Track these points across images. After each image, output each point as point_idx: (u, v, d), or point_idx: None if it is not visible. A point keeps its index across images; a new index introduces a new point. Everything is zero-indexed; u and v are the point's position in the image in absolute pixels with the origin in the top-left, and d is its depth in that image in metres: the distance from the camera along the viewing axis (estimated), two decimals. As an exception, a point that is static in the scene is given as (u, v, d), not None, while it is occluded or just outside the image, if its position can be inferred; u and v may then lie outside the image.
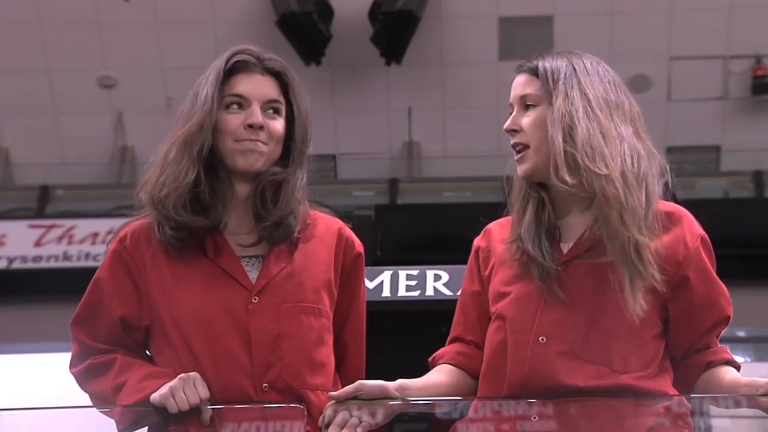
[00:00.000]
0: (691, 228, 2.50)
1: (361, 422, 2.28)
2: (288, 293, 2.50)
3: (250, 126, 2.50)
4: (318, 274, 2.56)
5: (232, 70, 2.56)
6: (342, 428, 2.28)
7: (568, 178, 2.38)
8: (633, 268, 2.34)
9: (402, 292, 3.47)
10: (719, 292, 2.48)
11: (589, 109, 2.44)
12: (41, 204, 11.63)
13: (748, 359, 9.56)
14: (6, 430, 2.35)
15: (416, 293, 3.47)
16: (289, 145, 2.58)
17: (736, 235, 10.08)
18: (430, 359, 2.59)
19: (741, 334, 9.66)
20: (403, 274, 3.50)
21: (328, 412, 2.30)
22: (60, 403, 2.46)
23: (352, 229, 2.69)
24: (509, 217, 2.58)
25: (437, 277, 3.50)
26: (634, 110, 2.54)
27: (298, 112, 2.59)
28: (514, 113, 2.52)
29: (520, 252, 2.47)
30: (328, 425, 2.29)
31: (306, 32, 11.22)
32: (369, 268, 3.40)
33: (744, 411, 2.35)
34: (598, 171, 2.36)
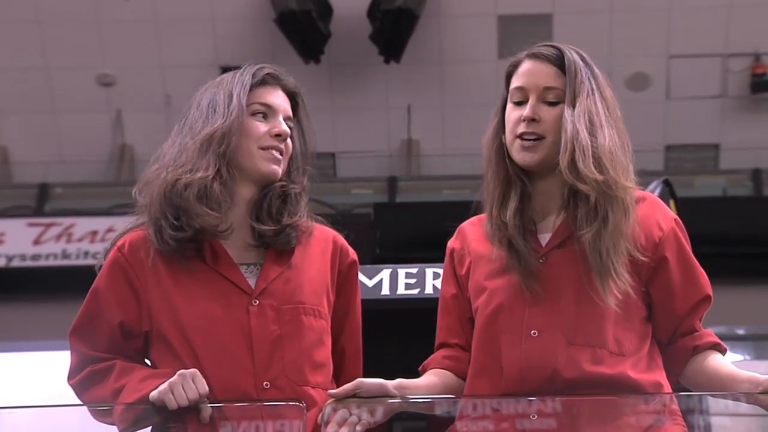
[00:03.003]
0: (663, 212, 2.52)
1: (360, 420, 2.29)
2: (287, 295, 2.53)
3: (278, 135, 2.57)
4: (315, 278, 2.59)
5: (258, 82, 2.63)
6: (341, 426, 2.28)
7: (594, 172, 2.37)
8: (606, 272, 2.36)
9: (401, 290, 3.47)
10: (698, 271, 2.49)
11: (607, 114, 2.46)
12: (40, 202, 11.64)
13: (747, 357, 9.55)
14: (5, 428, 2.35)
15: (415, 291, 3.48)
16: (289, 164, 2.64)
17: (734, 234, 10.09)
18: (419, 368, 2.60)
19: (740, 332, 9.66)
20: (402, 272, 3.51)
21: (326, 410, 2.30)
22: (59, 402, 2.46)
23: (347, 236, 2.72)
24: (481, 216, 2.59)
25: (436, 275, 3.50)
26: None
27: (307, 132, 2.69)
28: (533, 102, 2.49)
29: (502, 237, 2.46)
30: (327, 423, 2.29)
31: (305, 30, 11.22)
32: (368, 266, 3.41)
33: (743, 408, 2.35)
34: (621, 180, 2.39)
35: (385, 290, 3.45)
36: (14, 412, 2.44)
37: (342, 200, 11.49)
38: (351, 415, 2.29)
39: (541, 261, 2.43)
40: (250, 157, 2.56)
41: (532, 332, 2.39)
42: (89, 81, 12.12)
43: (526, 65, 2.53)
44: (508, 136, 2.54)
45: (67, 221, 10.85)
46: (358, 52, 11.75)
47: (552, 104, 2.48)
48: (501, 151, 2.57)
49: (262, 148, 2.56)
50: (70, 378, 2.55)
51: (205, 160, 2.50)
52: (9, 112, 12.22)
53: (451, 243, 2.65)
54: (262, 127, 2.58)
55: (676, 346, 2.47)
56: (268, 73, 2.65)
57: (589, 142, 2.38)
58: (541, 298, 2.41)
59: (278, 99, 2.63)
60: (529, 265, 2.42)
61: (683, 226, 2.52)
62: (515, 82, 2.53)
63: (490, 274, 2.49)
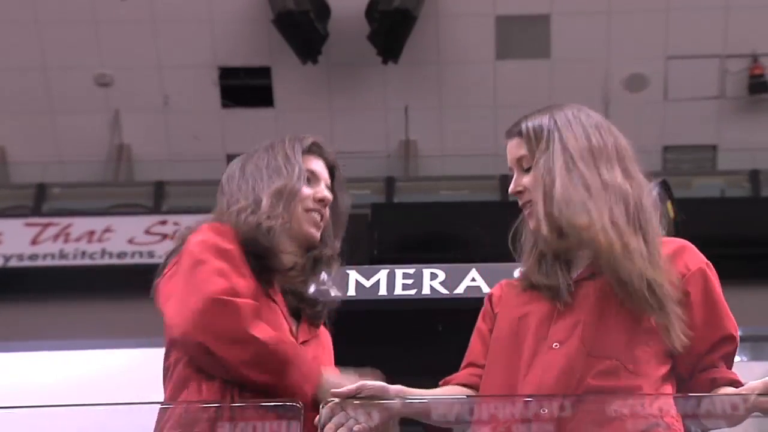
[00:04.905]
0: (694, 255, 2.53)
1: (358, 423, 2.29)
2: (316, 356, 2.63)
3: (321, 200, 2.73)
4: (325, 361, 2.69)
5: (306, 150, 2.80)
6: (339, 428, 2.28)
7: (554, 241, 2.45)
8: (652, 309, 2.37)
9: (398, 290, 3.48)
10: (722, 311, 2.49)
11: (570, 162, 2.49)
12: (37, 202, 11.63)
13: (744, 358, 9.55)
14: (2, 428, 2.36)
15: (412, 292, 3.48)
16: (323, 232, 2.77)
17: (732, 235, 10.09)
18: (440, 382, 2.61)
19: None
20: (399, 272, 3.51)
21: (324, 412, 2.30)
22: (57, 402, 2.46)
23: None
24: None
25: (433, 276, 3.51)
26: (620, 147, 2.55)
27: (342, 205, 2.83)
28: (515, 176, 2.59)
29: (529, 285, 2.54)
30: (324, 426, 2.29)
31: (303, 31, 11.22)
32: (365, 266, 3.42)
33: (740, 410, 2.35)
34: (580, 223, 2.41)
35: (383, 291, 3.46)
36: (11, 412, 2.44)
37: (339, 201, 11.45)
38: (350, 418, 2.29)
39: (570, 289, 2.47)
40: (296, 217, 2.69)
41: (554, 345, 2.42)
42: (87, 81, 12.11)
43: (507, 147, 2.64)
44: None
45: (64, 221, 10.85)
46: (356, 53, 11.75)
47: (528, 170, 2.56)
48: None
49: (306, 210, 2.70)
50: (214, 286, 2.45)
51: (278, 209, 2.64)
52: (7, 112, 12.21)
53: (492, 290, 2.71)
54: (307, 190, 2.72)
55: (695, 381, 2.47)
56: (313, 143, 2.83)
57: (543, 212, 2.47)
58: (565, 317, 2.44)
59: (320, 167, 2.79)
60: (561, 289, 2.46)
61: (714, 270, 2.52)
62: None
63: (518, 304, 2.55)
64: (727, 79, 12.08)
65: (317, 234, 2.71)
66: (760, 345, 10.11)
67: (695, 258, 2.52)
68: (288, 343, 2.48)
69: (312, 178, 2.75)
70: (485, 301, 2.68)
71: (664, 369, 2.45)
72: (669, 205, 3.94)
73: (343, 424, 2.29)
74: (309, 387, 2.45)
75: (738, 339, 2.49)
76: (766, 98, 12.12)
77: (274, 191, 2.66)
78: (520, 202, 2.58)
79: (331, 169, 2.84)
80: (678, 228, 3.80)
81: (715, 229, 9.59)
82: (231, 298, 2.42)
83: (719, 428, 2.38)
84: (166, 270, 2.59)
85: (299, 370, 2.45)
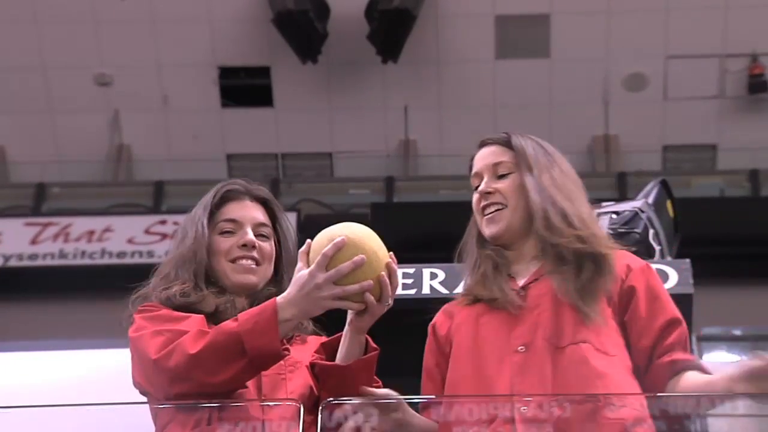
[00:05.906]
0: (633, 258, 2.64)
1: (360, 426, 2.31)
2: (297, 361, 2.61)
3: (244, 245, 2.69)
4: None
5: (222, 200, 2.76)
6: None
7: (570, 228, 2.54)
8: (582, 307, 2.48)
9: (398, 290, 3.47)
10: (664, 300, 2.57)
11: (570, 183, 2.64)
12: (37, 202, 11.64)
13: (744, 358, 9.53)
14: (2, 428, 2.36)
15: (412, 291, 3.48)
16: (277, 267, 2.76)
17: (731, 234, 10.10)
18: None
19: (737, 332, 9.67)
20: (399, 272, 3.50)
21: (323, 415, 2.31)
22: (56, 402, 2.46)
23: None
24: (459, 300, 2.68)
25: (433, 276, 3.51)
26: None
27: (285, 236, 2.79)
28: (486, 179, 2.66)
29: (474, 300, 2.58)
30: (323, 428, 2.30)
31: (302, 30, 11.23)
32: (365, 266, 3.40)
33: (739, 409, 2.35)
34: (605, 240, 2.57)
35: (382, 290, 3.45)
36: (10, 412, 2.44)
37: (339, 200, 11.50)
38: (347, 420, 2.31)
39: (520, 294, 2.53)
40: (223, 272, 2.68)
41: (519, 348, 2.45)
42: (87, 81, 12.11)
43: (477, 154, 2.73)
44: (477, 218, 2.68)
45: (64, 221, 10.86)
46: (356, 52, 11.76)
47: (503, 176, 2.65)
48: (480, 237, 2.68)
49: (232, 261, 2.69)
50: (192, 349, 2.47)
51: (180, 277, 2.65)
52: (6, 112, 12.22)
53: (435, 319, 2.72)
54: (227, 241, 2.70)
55: (654, 369, 2.50)
56: (229, 190, 2.76)
57: (562, 204, 2.56)
58: (522, 321, 2.49)
59: (244, 210, 2.74)
60: (510, 296, 2.53)
61: (654, 270, 2.64)
62: (472, 172, 2.72)
63: (471, 317, 2.58)
64: (727, 78, 12.09)
65: (250, 278, 2.68)
66: (760, 345, 10.11)
67: (635, 261, 2.63)
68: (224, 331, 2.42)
69: (235, 226, 2.71)
70: (429, 332, 2.69)
71: (626, 356, 2.50)
72: (669, 204, 3.94)
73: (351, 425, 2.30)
74: (265, 338, 2.38)
75: (684, 324, 2.55)
76: (766, 98, 12.12)
77: (175, 259, 2.68)
78: (482, 203, 2.63)
79: (265, 204, 2.78)
80: (677, 227, 3.80)
81: (714, 229, 9.60)
82: (167, 348, 2.43)
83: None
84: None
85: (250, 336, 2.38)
